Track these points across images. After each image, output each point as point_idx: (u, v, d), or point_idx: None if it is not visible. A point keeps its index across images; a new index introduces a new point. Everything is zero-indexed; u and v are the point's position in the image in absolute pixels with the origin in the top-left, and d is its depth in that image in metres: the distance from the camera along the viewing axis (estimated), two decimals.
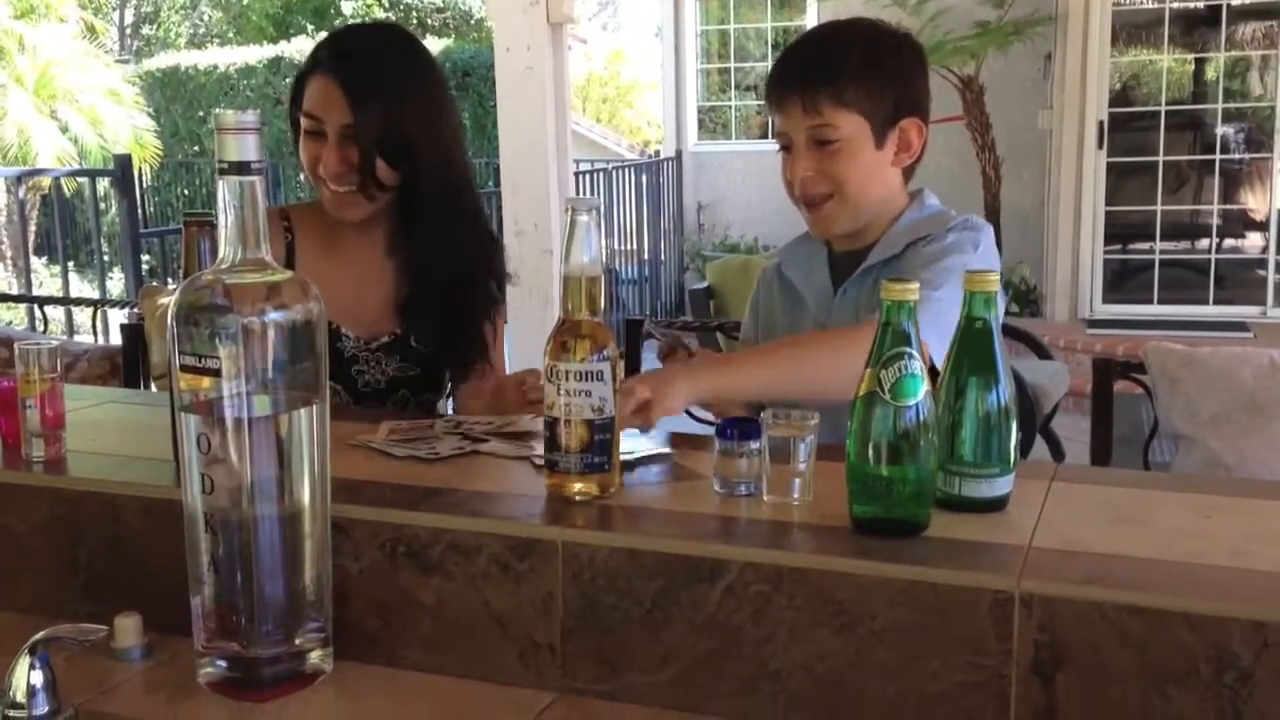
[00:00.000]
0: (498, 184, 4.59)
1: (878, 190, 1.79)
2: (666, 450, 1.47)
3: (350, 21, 16.65)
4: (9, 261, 11.06)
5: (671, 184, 9.43)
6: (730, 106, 10.17)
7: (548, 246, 4.11)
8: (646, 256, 8.69)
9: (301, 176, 2.04)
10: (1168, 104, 7.39)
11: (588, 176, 7.82)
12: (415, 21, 16.94)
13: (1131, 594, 1.03)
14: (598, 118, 15.41)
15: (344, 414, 1.64)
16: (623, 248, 8.35)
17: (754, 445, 1.27)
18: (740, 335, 2.06)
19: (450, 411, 2.08)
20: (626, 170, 8.65)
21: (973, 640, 1.07)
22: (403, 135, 1.84)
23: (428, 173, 1.88)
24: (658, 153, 10.37)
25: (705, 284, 7.40)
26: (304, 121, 1.88)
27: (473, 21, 16.99)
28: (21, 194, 6.95)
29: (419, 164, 1.87)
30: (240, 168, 1.13)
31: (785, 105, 1.75)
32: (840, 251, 1.86)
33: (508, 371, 2.02)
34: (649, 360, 2.64)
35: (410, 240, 1.95)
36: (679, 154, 9.67)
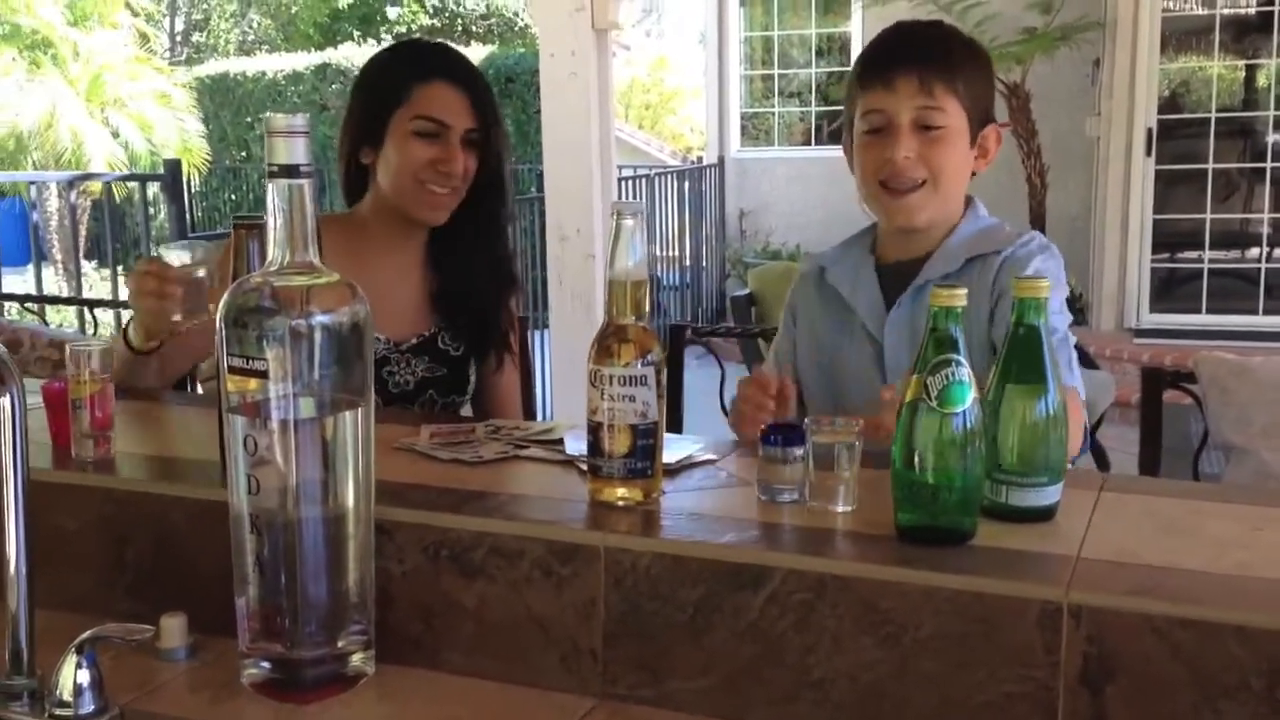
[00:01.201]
0: (540, 189, 4.59)
1: (960, 189, 1.77)
2: (710, 456, 1.47)
3: (397, 28, 16.82)
4: (60, 265, 11.23)
5: (714, 190, 9.42)
6: (774, 113, 10.13)
7: (590, 251, 4.11)
8: (688, 263, 8.69)
9: None
10: (1218, 111, 7.28)
11: (630, 182, 7.82)
12: (460, 28, 17.05)
13: (1182, 606, 1.01)
14: (640, 124, 15.41)
15: (379, 416, 1.64)
16: (665, 254, 8.34)
17: (798, 452, 1.27)
18: (774, 344, 1.95)
19: (469, 413, 2.14)
20: (669, 176, 8.64)
21: (1020, 651, 1.05)
22: (505, 145, 2.04)
23: (500, 177, 2.06)
24: (700, 159, 10.37)
25: (747, 291, 7.38)
26: (418, 124, 1.97)
27: (516, 28, 17.08)
28: (73, 198, 7.07)
29: (503, 168, 2.05)
30: (290, 171, 1.14)
31: (896, 82, 1.70)
32: (889, 262, 1.81)
33: (538, 368, 2.15)
34: (691, 366, 2.63)
35: (457, 237, 2.05)
36: (721, 160, 9.66)
